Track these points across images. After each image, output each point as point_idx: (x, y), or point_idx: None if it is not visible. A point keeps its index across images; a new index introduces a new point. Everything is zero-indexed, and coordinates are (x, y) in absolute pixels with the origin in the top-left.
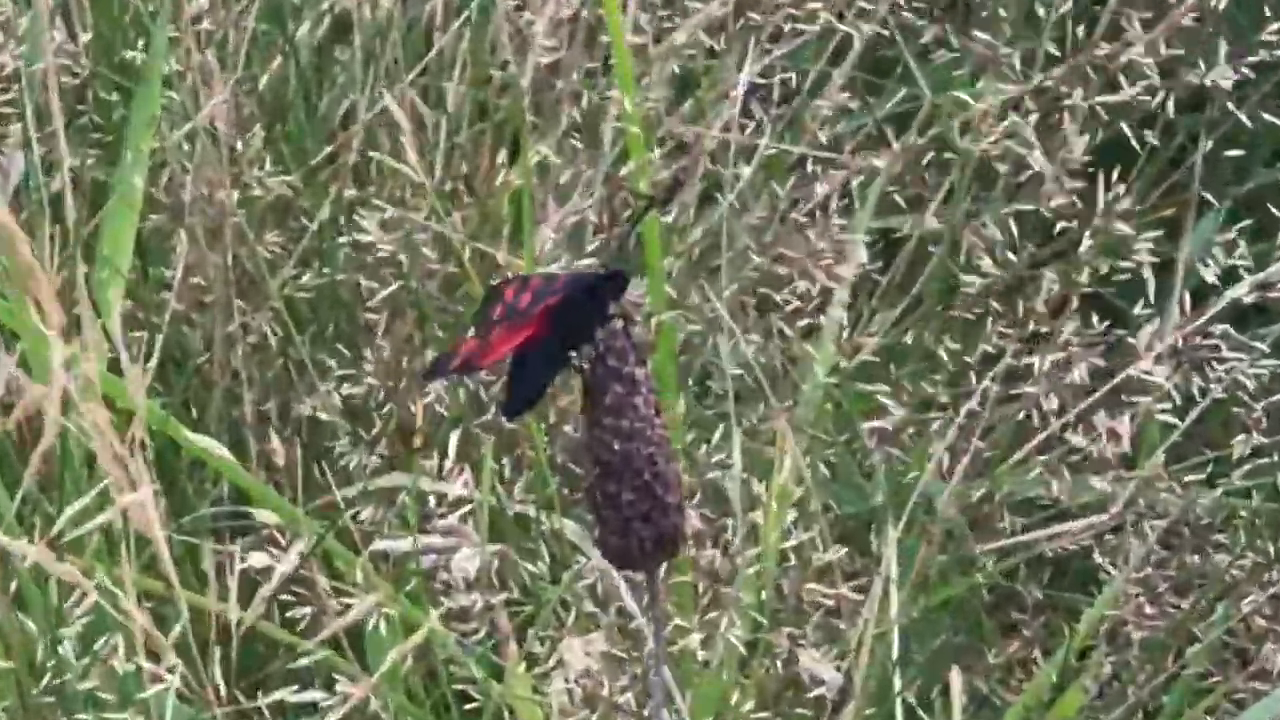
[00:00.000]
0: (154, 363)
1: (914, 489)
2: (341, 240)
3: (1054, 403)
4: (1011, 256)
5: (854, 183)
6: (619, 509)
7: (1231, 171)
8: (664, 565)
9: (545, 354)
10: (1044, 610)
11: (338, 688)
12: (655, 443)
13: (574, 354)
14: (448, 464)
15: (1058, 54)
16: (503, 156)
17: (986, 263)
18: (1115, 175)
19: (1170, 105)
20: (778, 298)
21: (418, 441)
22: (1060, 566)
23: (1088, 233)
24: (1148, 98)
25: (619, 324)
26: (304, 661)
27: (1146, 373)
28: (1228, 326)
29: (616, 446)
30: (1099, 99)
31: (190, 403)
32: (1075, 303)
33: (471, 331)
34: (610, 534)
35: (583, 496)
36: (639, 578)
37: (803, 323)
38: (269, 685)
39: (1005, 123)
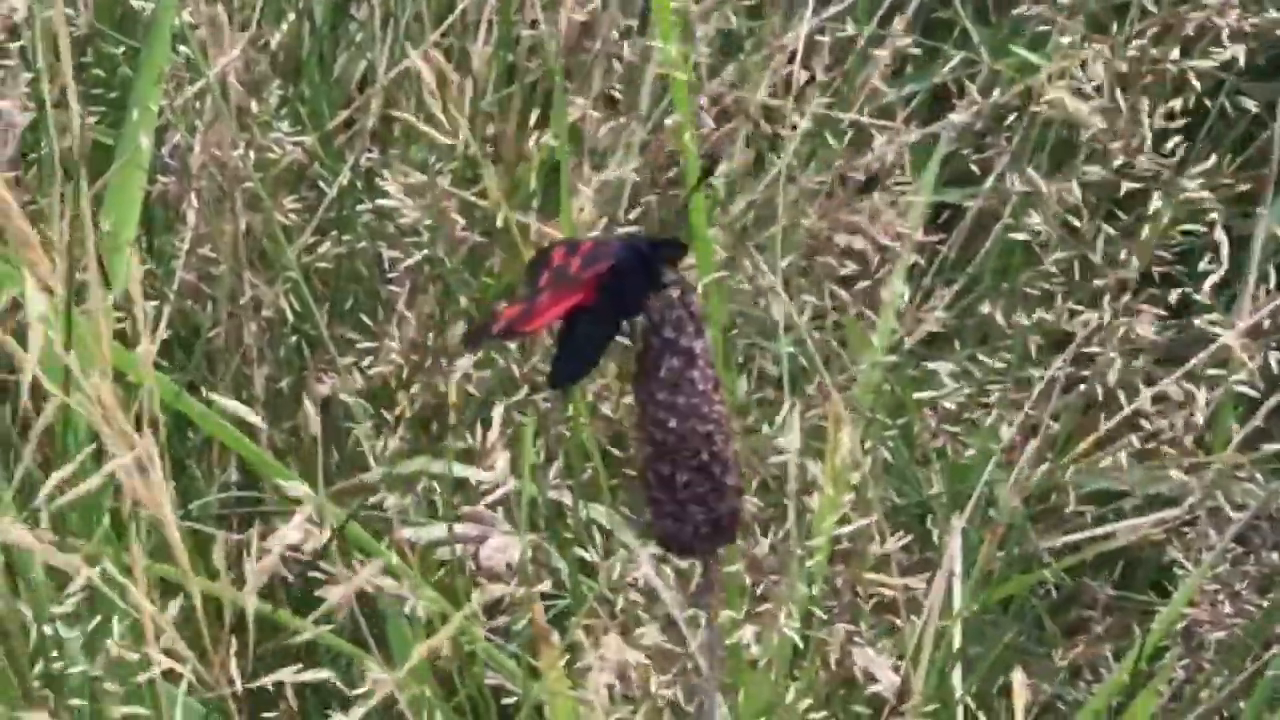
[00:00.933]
0: (161, 334)
1: (976, 477)
2: (362, 208)
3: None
4: (1076, 222)
5: (907, 152)
6: (674, 491)
7: None
8: (718, 553)
9: (596, 322)
10: (1113, 609)
11: (368, 677)
12: (714, 420)
13: (626, 324)
14: (481, 446)
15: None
16: (533, 120)
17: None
18: (1189, 141)
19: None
20: (833, 263)
21: (452, 419)
22: (1131, 563)
23: (1158, 195)
24: (1220, 63)
25: (676, 293)
26: (312, 637)
27: (1221, 343)
28: None
29: (672, 424)
30: (1174, 62)
31: (198, 383)
32: (1147, 275)
33: (505, 301)
34: (664, 518)
35: (626, 481)
36: (683, 567)
37: (860, 289)
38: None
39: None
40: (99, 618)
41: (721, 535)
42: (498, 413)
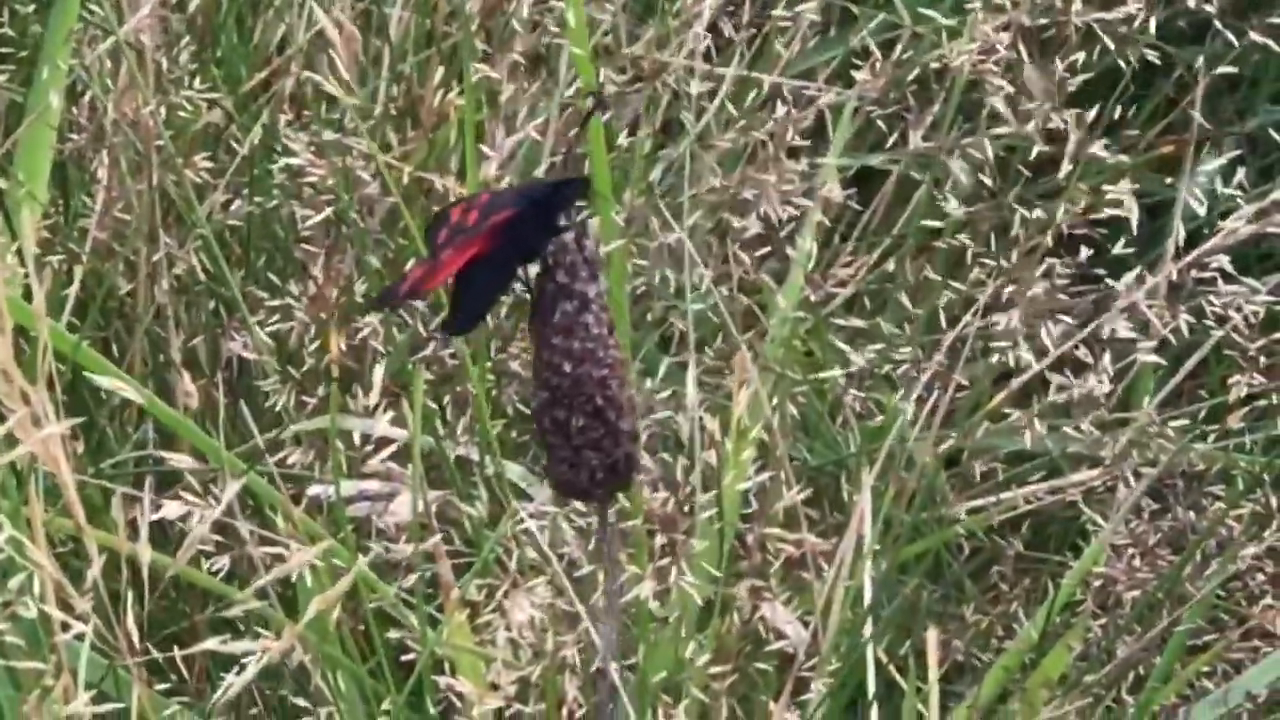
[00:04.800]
0: (74, 292)
1: (887, 437)
2: (274, 167)
3: (1034, 347)
4: (988, 183)
5: (827, 116)
6: (568, 436)
7: (1234, 110)
8: (616, 498)
9: (493, 269)
10: (1027, 570)
11: (261, 641)
12: (608, 365)
13: (522, 270)
14: (369, 400)
15: None
16: (449, 84)
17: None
18: (1109, 106)
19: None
20: (740, 224)
21: (335, 373)
22: (1045, 524)
23: (1070, 159)
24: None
25: (571, 238)
26: (230, 613)
27: (1135, 310)
28: (1224, 258)
29: (566, 369)
30: (1092, 16)
31: (112, 341)
32: (1061, 240)
33: (413, 262)
34: (559, 463)
35: (530, 435)
36: (588, 523)
37: (768, 251)
38: (190, 639)
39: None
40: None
41: (617, 480)
42: (379, 371)
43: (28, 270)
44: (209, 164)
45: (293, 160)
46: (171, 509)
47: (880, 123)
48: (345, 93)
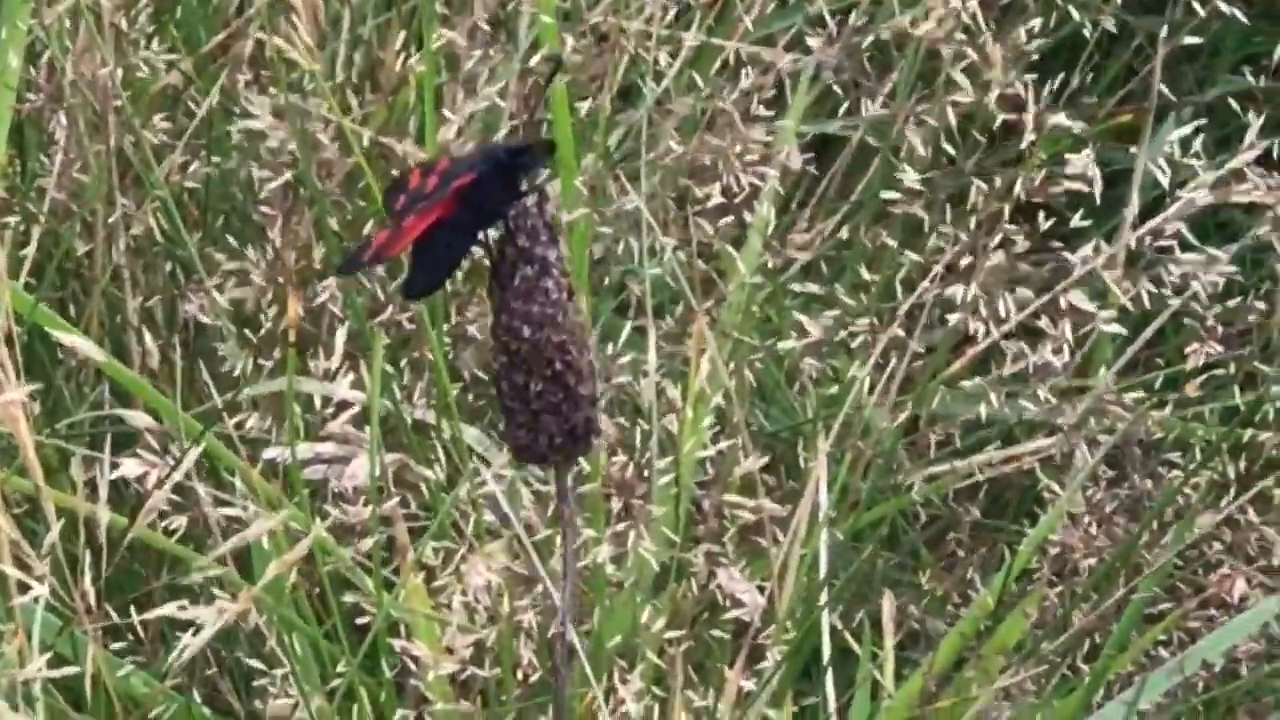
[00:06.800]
0: (30, 253)
1: (843, 404)
2: (233, 129)
3: (992, 315)
4: (948, 151)
5: (787, 83)
6: (527, 401)
7: (1194, 80)
8: (574, 463)
9: (453, 232)
10: (983, 538)
11: (218, 604)
12: (567, 330)
13: (482, 233)
14: (329, 364)
15: None
16: (409, 48)
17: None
18: (1068, 74)
19: None
20: (701, 193)
21: (291, 336)
22: (1002, 492)
23: (1031, 128)
24: None
25: (531, 202)
26: (187, 579)
27: (1093, 279)
28: (1181, 226)
29: (526, 333)
30: None
31: (68, 302)
32: (1019, 209)
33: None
34: (517, 428)
35: (487, 400)
36: (545, 488)
37: (729, 220)
38: (146, 602)
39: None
40: None
41: (576, 445)
42: (340, 333)
43: None
44: (168, 125)
45: (253, 123)
46: (130, 467)
47: (838, 89)
48: (306, 56)
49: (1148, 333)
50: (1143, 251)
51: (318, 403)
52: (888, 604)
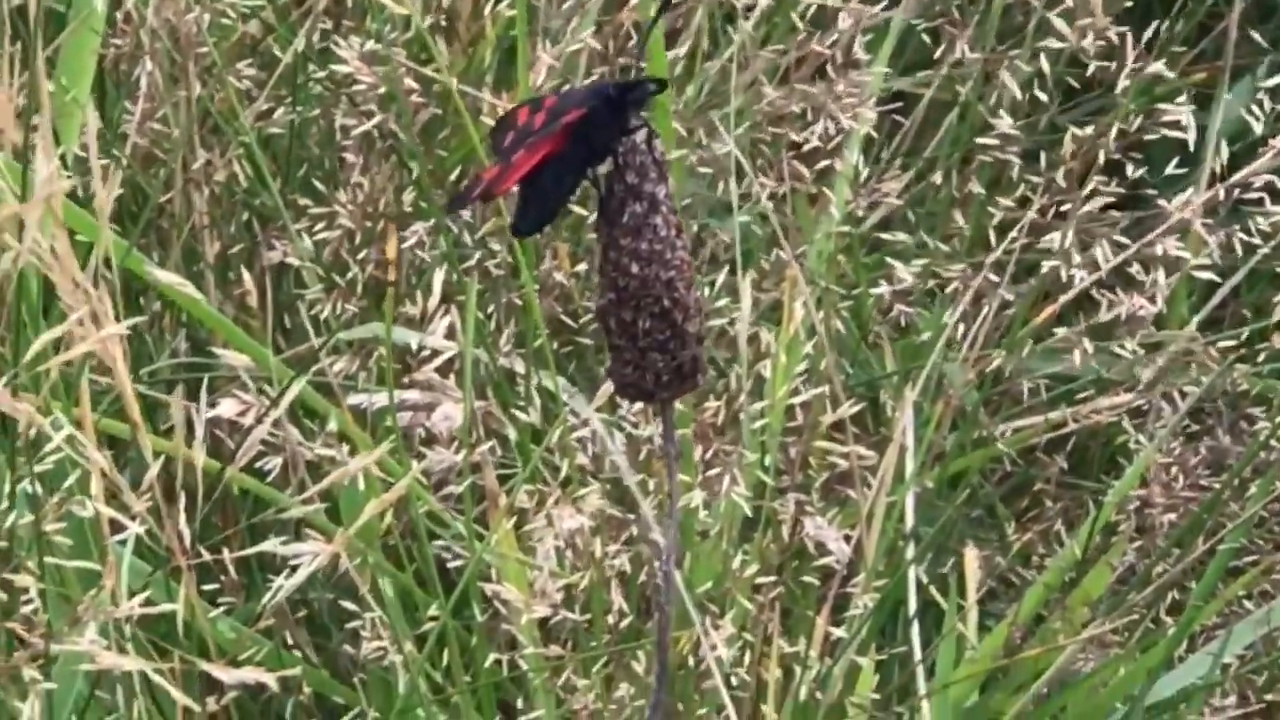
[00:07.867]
0: (114, 195)
1: (928, 355)
2: (317, 75)
3: (1080, 269)
4: (1042, 96)
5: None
6: (634, 338)
7: (1270, 39)
8: (678, 401)
9: (563, 169)
10: (1066, 492)
11: (313, 543)
12: (675, 266)
13: (591, 169)
14: (423, 312)
15: None
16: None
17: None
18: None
19: None
20: (793, 137)
21: (390, 276)
22: (1085, 447)
23: (1127, 75)
24: None
25: (641, 138)
26: (284, 515)
27: (1182, 229)
28: (1273, 177)
29: (634, 270)
30: None
31: (149, 250)
32: (1104, 162)
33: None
34: (623, 365)
35: (579, 350)
36: (634, 433)
37: (819, 166)
38: (233, 543)
39: None
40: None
41: (683, 382)
42: (438, 277)
43: (72, 175)
44: (251, 71)
45: (342, 67)
46: (227, 406)
47: (925, 37)
48: (395, 2)
49: (1233, 280)
50: (1226, 203)
51: (414, 346)
52: (971, 555)
